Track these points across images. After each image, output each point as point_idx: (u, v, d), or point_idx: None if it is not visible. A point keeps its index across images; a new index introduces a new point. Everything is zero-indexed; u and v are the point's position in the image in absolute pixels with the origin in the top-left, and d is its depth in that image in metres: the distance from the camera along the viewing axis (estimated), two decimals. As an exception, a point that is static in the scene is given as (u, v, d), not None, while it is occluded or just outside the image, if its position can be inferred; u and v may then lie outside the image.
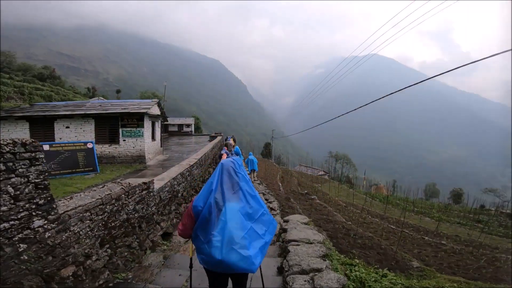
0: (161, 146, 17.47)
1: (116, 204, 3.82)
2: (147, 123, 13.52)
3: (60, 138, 12.44)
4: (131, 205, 4.28)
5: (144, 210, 4.73)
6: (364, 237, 8.63)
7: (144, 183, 4.84)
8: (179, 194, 6.81)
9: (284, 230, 4.70)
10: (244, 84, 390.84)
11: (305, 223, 5.12)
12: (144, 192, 4.78)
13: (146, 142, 13.18)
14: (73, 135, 12.59)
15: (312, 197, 17.70)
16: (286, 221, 5.17)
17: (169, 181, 6.12)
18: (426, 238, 11.76)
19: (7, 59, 45.14)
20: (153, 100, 15.43)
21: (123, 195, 4.03)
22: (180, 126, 47.62)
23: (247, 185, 1.99)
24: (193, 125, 48.43)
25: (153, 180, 5.17)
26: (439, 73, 6.86)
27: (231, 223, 1.76)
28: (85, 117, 12.71)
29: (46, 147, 9.39)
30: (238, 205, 1.86)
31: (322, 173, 42.84)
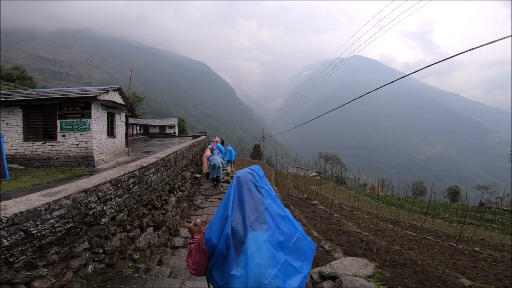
0: (126, 146, 14.06)
1: None
2: (99, 113, 10.17)
3: (-27, 135, 8.91)
4: None
5: None
6: (391, 252, 6.76)
7: None
8: (104, 219, 3.61)
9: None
10: (232, 87, 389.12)
11: (371, 277, 2.09)
12: None
13: (96, 138, 9.81)
14: (-8, 130, 9.10)
15: (314, 202, 15.04)
16: (333, 278, 2.07)
17: (69, 196, 2.93)
18: (455, 245, 9.61)
19: None
20: (112, 86, 12.05)
21: None
22: (162, 127, 44.18)
23: (275, 203, 1.43)
24: (176, 126, 45.06)
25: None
26: (417, 70, 6.93)
27: (258, 258, 1.27)
28: (9, 106, 9.25)
29: None
30: (266, 233, 1.34)
31: (315, 174, 40.36)
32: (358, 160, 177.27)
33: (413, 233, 10.81)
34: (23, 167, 8.88)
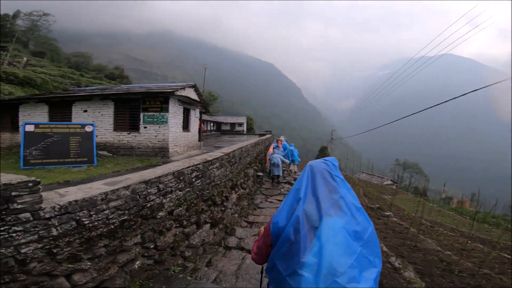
0: (199, 140, 14.80)
1: None
2: (175, 108, 10.81)
3: (78, 124, 10.51)
4: None
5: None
6: (477, 275, 5.36)
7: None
8: (161, 213, 3.46)
9: None
10: (298, 88, 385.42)
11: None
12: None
13: (172, 131, 10.43)
14: (91, 119, 10.55)
15: (387, 213, 13.27)
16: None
17: (128, 186, 2.82)
18: None
19: (85, 60, 51.21)
20: (188, 83, 12.80)
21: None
22: (233, 125, 46.32)
23: (350, 194, 1.34)
24: (245, 124, 46.65)
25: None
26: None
27: (333, 245, 1.15)
28: (104, 99, 10.59)
29: (30, 127, 7.19)
30: (342, 220, 1.23)
31: (390, 182, 36.11)
32: (444, 170, 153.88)
33: (510, 256, 8.64)
34: (111, 155, 10.02)
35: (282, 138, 17.69)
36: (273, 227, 1.32)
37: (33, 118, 11.06)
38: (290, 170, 13.58)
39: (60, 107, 10.99)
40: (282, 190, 10.27)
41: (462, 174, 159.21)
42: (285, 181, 11.50)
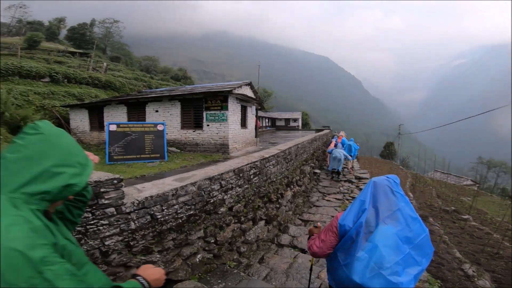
0: (256, 136, 15.10)
1: None
2: (234, 106, 11.20)
3: (150, 123, 11.75)
4: None
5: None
6: None
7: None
8: (222, 208, 3.59)
9: None
10: (358, 80, 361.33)
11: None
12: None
13: (231, 128, 10.84)
14: (161, 119, 11.65)
15: (465, 217, 11.72)
16: None
17: (195, 183, 3.01)
18: None
19: (153, 63, 56.99)
20: (244, 81, 13.13)
21: None
22: (287, 120, 46.00)
23: (408, 207, 1.63)
24: (300, 120, 45.86)
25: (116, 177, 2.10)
26: None
27: (383, 246, 1.48)
28: (172, 100, 11.57)
29: (113, 127, 8.28)
30: (395, 228, 1.54)
31: (470, 182, 31.17)
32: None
33: None
34: (179, 151, 10.93)
35: (342, 133, 16.91)
36: (341, 229, 1.63)
37: (115, 118, 12.75)
38: (351, 168, 12.93)
39: (136, 108, 12.41)
40: (341, 188, 9.75)
41: None
42: (345, 179, 10.94)
